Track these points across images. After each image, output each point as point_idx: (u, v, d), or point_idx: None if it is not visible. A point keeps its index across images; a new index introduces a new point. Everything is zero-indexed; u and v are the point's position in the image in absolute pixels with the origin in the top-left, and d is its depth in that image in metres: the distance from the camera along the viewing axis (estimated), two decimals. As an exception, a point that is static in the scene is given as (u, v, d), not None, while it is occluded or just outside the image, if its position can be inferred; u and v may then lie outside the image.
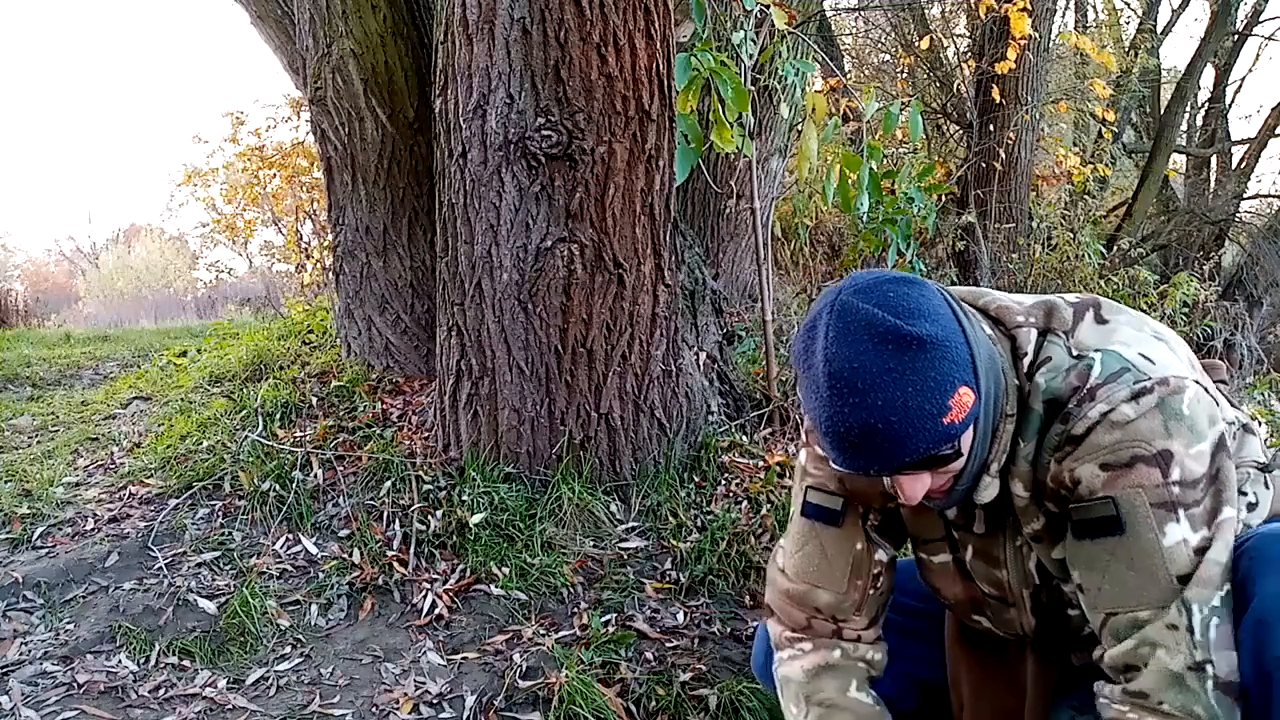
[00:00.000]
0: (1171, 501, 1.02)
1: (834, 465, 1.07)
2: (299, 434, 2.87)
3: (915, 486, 1.07)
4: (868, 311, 0.99)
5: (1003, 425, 1.10)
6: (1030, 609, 1.24)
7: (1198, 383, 1.06)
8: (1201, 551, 1.02)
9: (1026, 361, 1.10)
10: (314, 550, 2.40)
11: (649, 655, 2.02)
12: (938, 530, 1.28)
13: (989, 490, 1.13)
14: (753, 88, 3.06)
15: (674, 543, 2.42)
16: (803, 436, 1.35)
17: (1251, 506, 1.17)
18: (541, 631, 2.11)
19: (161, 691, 1.92)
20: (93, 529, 2.51)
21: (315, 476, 2.63)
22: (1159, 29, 10.35)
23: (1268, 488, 1.20)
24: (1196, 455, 1.02)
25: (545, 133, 2.34)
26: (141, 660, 2.01)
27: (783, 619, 1.36)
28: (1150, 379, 1.04)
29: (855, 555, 1.30)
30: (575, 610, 2.20)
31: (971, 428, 1.05)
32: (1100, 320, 1.13)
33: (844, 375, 0.98)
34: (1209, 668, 1.00)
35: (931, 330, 0.99)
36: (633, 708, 1.85)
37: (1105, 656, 1.07)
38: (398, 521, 2.46)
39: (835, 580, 1.30)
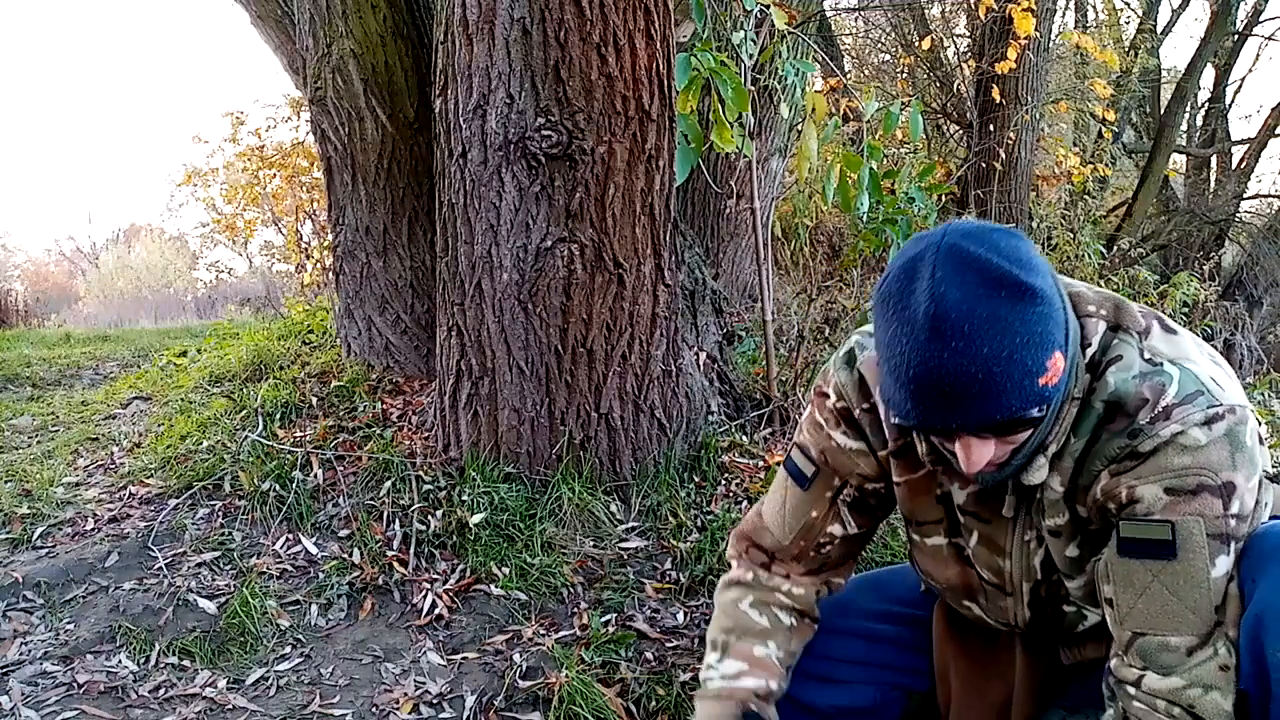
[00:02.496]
0: (1227, 534, 1.01)
1: (898, 420, 1.03)
2: (299, 434, 2.87)
3: (981, 452, 1.02)
4: (982, 255, 0.95)
5: (1067, 408, 1.07)
6: (1028, 602, 1.23)
7: (1251, 411, 1.06)
8: (1231, 580, 1.03)
9: (1090, 352, 1.07)
10: (314, 550, 2.40)
11: (649, 655, 2.02)
12: (935, 513, 1.26)
13: (1039, 472, 1.10)
14: (753, 88, 3.06)
15: (674, 543, 2.42)
16: (812, 396, 1.34)
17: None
18: (541, 631, 2.11)
19: (161, 691, 1.92)
20: (93, 529, 2.51)
21: (315, 476, 2.63)
22: (1159, 29, 10.36)
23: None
24: (1252, 489, 1.03)
25: (545, 133, 2.34)
26: (141, 660, 2.01)
27: (732, 547, 1.42)
28: (1222, 405, 1.02)
29: (809, 520, 1.33)
30: (575, 610, 2.20)
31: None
32: (1167, 329, 1.10)
33: (951, 317, 0.93)
34: (1230, 699, 1.02)
35: (1042, 285, 0.96)
36: (633, 708, 1.85)
37: (1143, 684, 1.05)
38: (398, 521, 2.46)
39: (782, 530, 1.35)
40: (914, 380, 0.96)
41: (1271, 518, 1.18)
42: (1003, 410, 0.96)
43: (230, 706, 1.88)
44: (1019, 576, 1.22)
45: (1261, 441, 1.10)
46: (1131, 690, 1.05)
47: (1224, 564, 1.01)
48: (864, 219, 3.07)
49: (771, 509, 1.37)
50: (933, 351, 0.94)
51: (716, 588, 1.42)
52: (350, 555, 2.37)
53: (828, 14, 6.26)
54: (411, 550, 2.36)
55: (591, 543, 2.44)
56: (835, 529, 1.33)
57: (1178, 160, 10.76)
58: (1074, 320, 1.04)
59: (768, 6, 2.85)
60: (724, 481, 2.69)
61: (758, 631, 1.33)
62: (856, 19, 9.00)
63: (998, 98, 6.54)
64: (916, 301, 0.95)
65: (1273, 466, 1.26)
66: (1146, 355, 1.06)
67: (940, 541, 1.28)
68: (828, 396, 1.30)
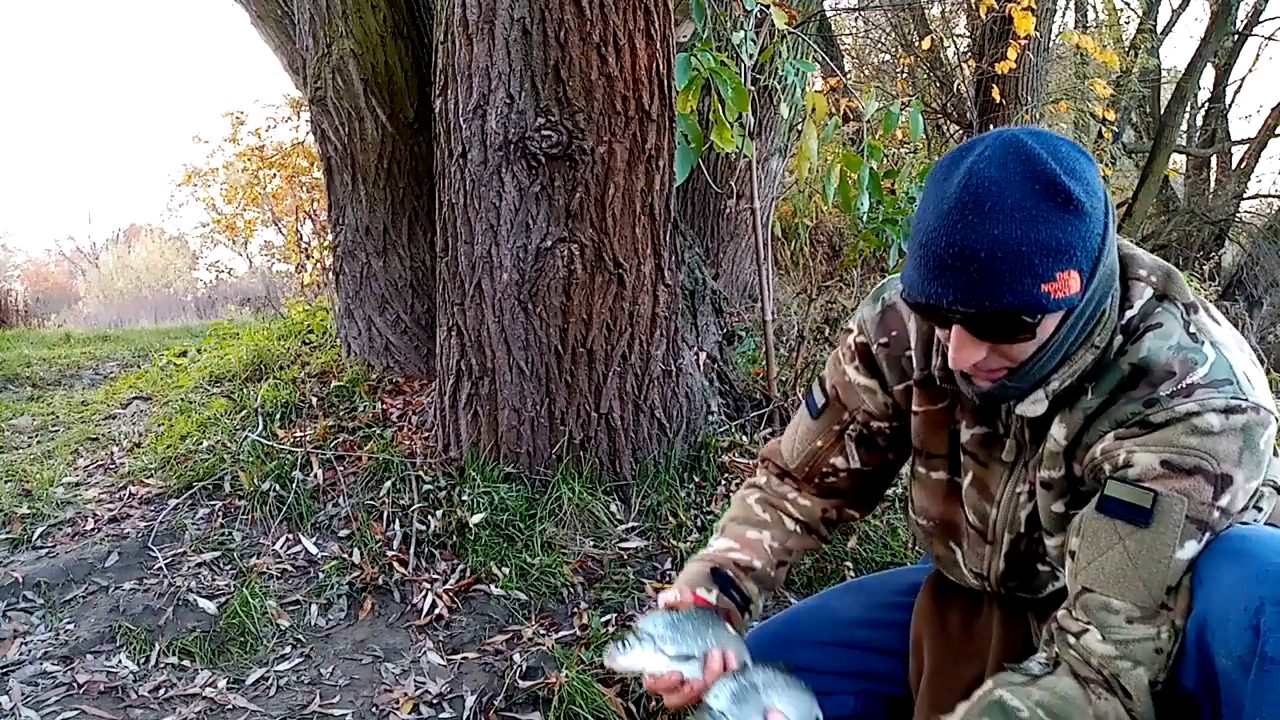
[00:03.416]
0: (1206, 522, 1.00)
1: (909, 295, 1.03)
2: (299, 434, 2.87)
3: (969, 351, 1.04)
4: (1034, 150, 0.96)
5: (1081, 353, 1.06)
6: (1005, 553, 1.23)
7: (1277, 419, 1.04)
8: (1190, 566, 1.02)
9: (1129, 314, 1.06)
10: (314, 550, 2.40)
11: (649, 655, 2.02)
12: (943, 448, 1.27)
13: (1035, 406, 1.10)
14: (753, 88, 3.06)
15: (674, 543, 2.42)
16: (841, 337, 1.37)
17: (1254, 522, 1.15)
18: (541, 631, 2.11)
19: (161, 691, 1.92)
20: (93, 529, 2.51)
21: (315, 476, 2.63)
22: (1159, 29, 10.36)
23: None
24: (1248, 491, 1.02)
25: (545, 133, 2.34)
26: (141, 660, 2.01)
27: (758, 462, 1.49)
28: (1247, 401, 1.01)
29: (814, 448, 1.37)
30: (575, 610, 2.20)
31: (1057, 322, 1.02)
32: (1213, 318, 1.09)
33: (978, 192, 0.95)
34: (1160, 678, 1.03)
35: (1083, 199, 0.96)
36: (633, 708, 1.85)
37: (1081, 639, 1.06)
38: (398, 521, 2.46)
39: (791, 454, 1.40)
40: (925, 246, 0.99)
41: (1267, 523, 1.17)
42: (991, 298, 0.97)
43: (230, 706, 1.88)
44: (1002, 526, 1.22)
45: (1277, 454, 1.09)
46: (1070, 640, 1.06)
47: (1192, 549, 1.00)
48: (864, 219, 3.07)
49: (788, 434, 1.42)
50: (950, 221, 0.96)
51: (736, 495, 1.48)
52: (350, 555, 2.37)
53: (828, 14, 6.26)
54: (411, 550, 2.36)
55: (591, 543, 2.44)
56: (839, 461, 1.36)
57: (1178, 160, 10.76)
58: (1113, 265, 1.04)
59: (768, 6, 2.85)
60: (724, 481, 2.69)
61: (757, 521, 1.39)
62: (856, 19, 9.00)
63: (998, 98, 6.54)
64: (957, 175, 0.98)
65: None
66: (1191, 330, 1.05)
67: (942, 477, 1.29)
68: (851, 332, 1.34)
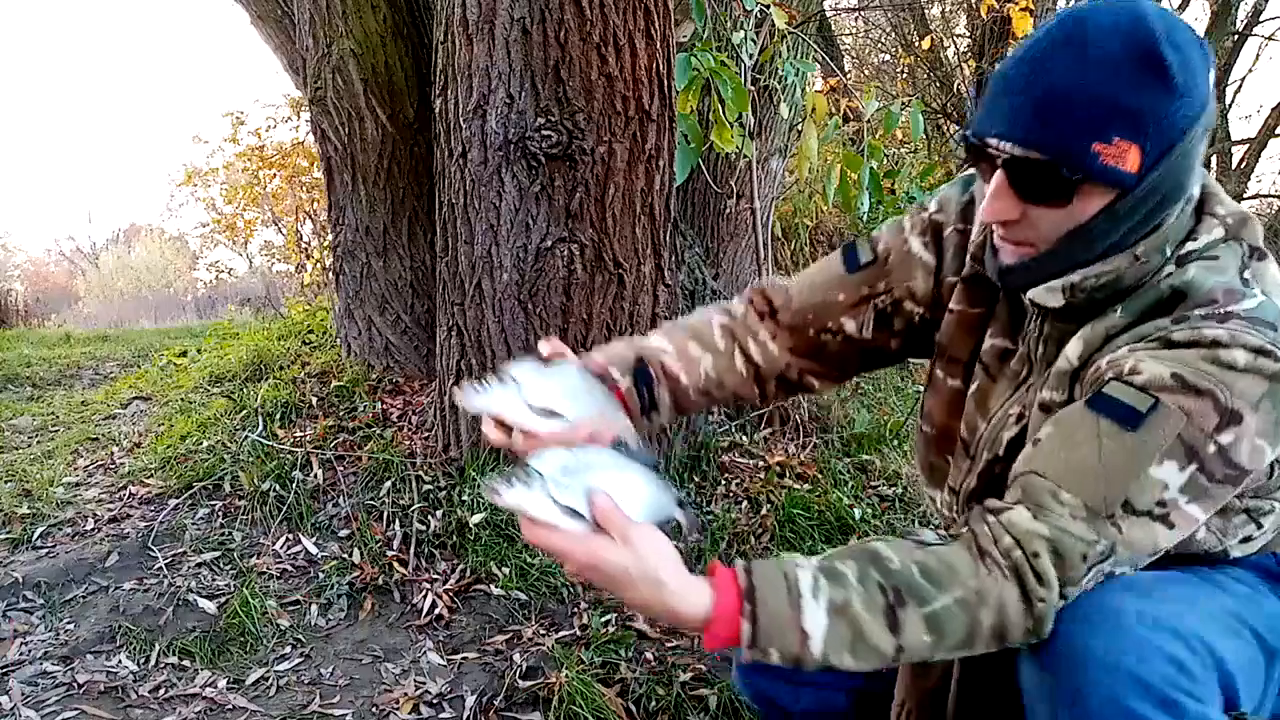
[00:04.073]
0: (1198, 450, 0.89)
1: (969, 134, 0.99)
2: (299, 434, 2.87)
3: (1002, 205, 0.97)
4: (1150, 14, 0.91)
5: (1118, 258, 0.98)
6: (979, 472, 1.15)
7: None
8: (1161, 515, 0.91)
9: (1191, 247, 0.98)
10: (314, 550, 2.40)
11: (649, 655, 2.02)
12: (965, 354, 1.19)
13: (1050, 295, 1.01)
14: (753, 88, 3.06)
15: (674, 542, 2.42)
16: (914, 209, 1.27)
17: (1248, 540, 1.09)
18: (541, 631, 2.11)
19: (161, 691, 1.92)
20: (93, 529, 2.51)
21: (315, 476, 2.63)
22: (1159, 29, 10.34)
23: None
24: (1254, 450, 0.90)
25: (545, 133, 2.34)
26: (141, 660, 2.01)
27: (745, 291, 1.35)
28: None
29: (832, 300, 1.25)
30: (575, 610, 2.20)
31: (1102, 200, 0.94)
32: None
33: (1071, 29, 0.92)
34: (1069, 593, 0.93)
35: (1176, 77, 0.90)
36: (633, 708, 1.85)
37: (1005, 515, 0.94)
38: (398, 521, 2.46)
39: (800, 294, 1.27)
40: (1000, 76, 0.95)
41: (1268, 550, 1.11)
42: (1036, 134, 0.91)
43: (230, 706, 1.88)
44: (984, 443, 1.15)
45: None
46: (989, 517, 0.95)
47: (1170, 471, 0.90)
48: (864, 219, 3.08)
49: (804, 276, 1.30)
50: (1031, 51, 0.93)
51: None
52: (350, 555, 2.37)
53: (828, 14, 6.26)
54: (411, 550, 2.36)
55: (591, 543, 2.43)
56: (848, 324, 1.25)
57: (1178, 160, 10.74)
58: (1186, 177, 0.96)
59: (768, 6, 2.85)
60: (724, 481, 2.69)
61: (707, 343, 1.27)
62: (856, 19, 9.00)
63: (998, 98, 6.54)
64: (1074, 9, 0.95)
65: None
66: (1246, 274, 0.97)
67: (957, 385, 1.22)
68: (926, 208, 1.25)
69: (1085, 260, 0.99)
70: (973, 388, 1.18)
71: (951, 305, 1.20)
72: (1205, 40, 0.95)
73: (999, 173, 0.97)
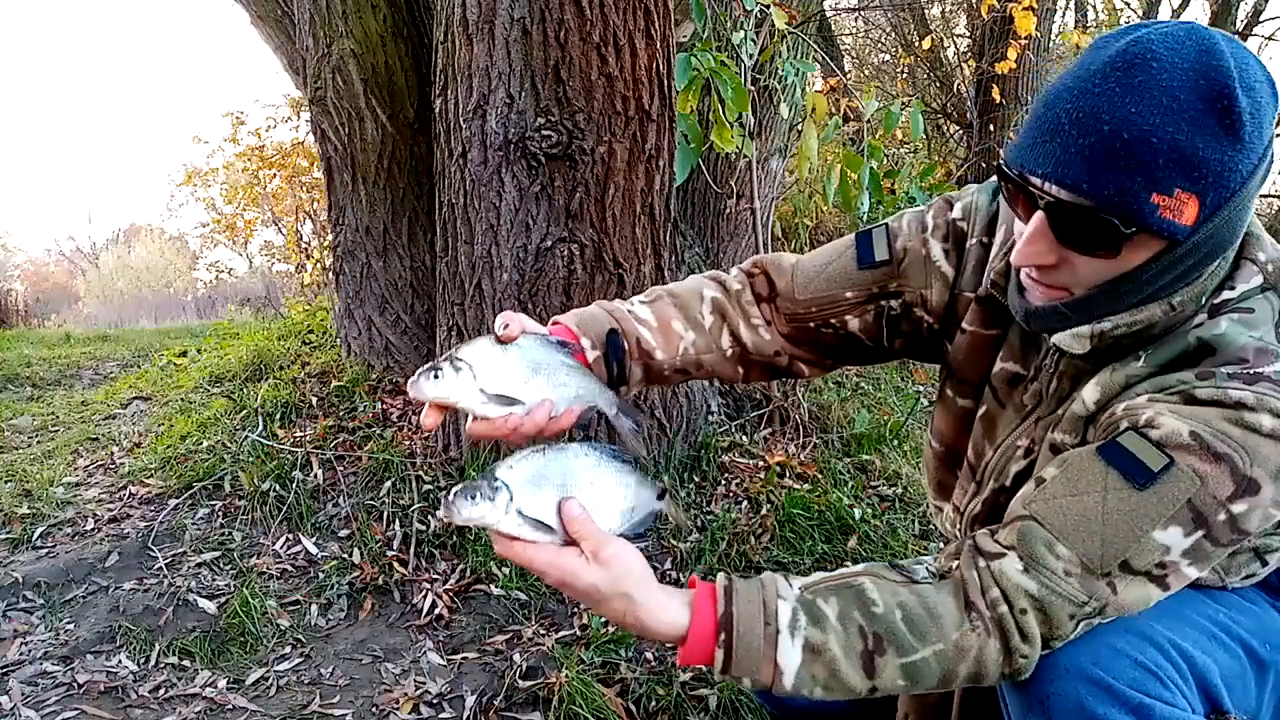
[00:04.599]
0: (1207, 520, 0.85)
1: (1007, 163, 0.91)
2: (299, 434, 2.87)
3: (1039, 249, 0.90)
4: (1219, 47, 0.82)
5: (1153, 306, 0.91)
6: (984, 499, 1.13)
7: None
8: (1158, 576, 0.88)
9: (1227, 295, 0.92)
10: (314, 550, 2.40)
11: (649, 655, 2.02)
12: (977, 376, 1.15)
13: (1075, 342, 0.95)
14: (753, 88, 3.06)
15: (674, 543, 2.42)
16: (935, 200, 1.20)
17: (1250, 576, 1.08)
18: (541, 631, 2.11)
19: (161, 691, 1.92)
20: (93, 529, 2.51)
21: (315, 476, 2.62)
22: (1159, 29, 10.35)
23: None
24: (1265, 518, 0.87)
25: (545, 133, 2.34)
26: (141, 660, 2.01)
27: (745, 263, 1.27)
28: None
29: (839, 295, 1.18)
30: (575, 610, 2.20)
31: (1147, 256, 0.88)
32: None
33: (1133, 62, 0.82)
34: (1053, 645, 0.91)
35: (1247, 124, 0.82)
36: (633, 708, 1.85)
37: (996, 564, 0.91)
38: (398, 521, 2.46)
39: (806, 284, 1.20)
40: (1047, 107, 0.87)
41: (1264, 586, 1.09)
42: (1091, 182, 0.83)
43: (230, 706, 1.88)
44: (990, 472, 1.12)
45: None
46: (980, 562, 0.92)
47: (1174, 536, 0.86)
48: (864, 219, 3.07)
49: (813, 260, 1.21)
50: (1086, 84, 0.84)
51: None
52: (350, 555, 2.37)
53: (828, 14, 6.26)
54: (411, 550, 2.36)
55: (591, 543, 2.43)
56: (853, 322, 1.19)
57: (1178, 160, 10.75)
58: (1237, 229, 0.89)
59: (768, 6, 2.85)
60: (724, 481, 2.69)
61: (693, 317, 1.20)
62: (856, 19, 9.00)
63: (998, 98, 6.54)
64: (1119, 43, 0.84)
65: None
66: (1274, 332, 0.91)
67: (968, 405, 1.18)
68: (952, 208, 1.17)
69: (1119, 308, 0.93)
70: (981, 410, 1.14)
71: (965, 324, 1.15)
72: (1273, 79, 0.87)
73: (1039, 215, 0.89)
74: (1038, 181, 0.88)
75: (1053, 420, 1.03)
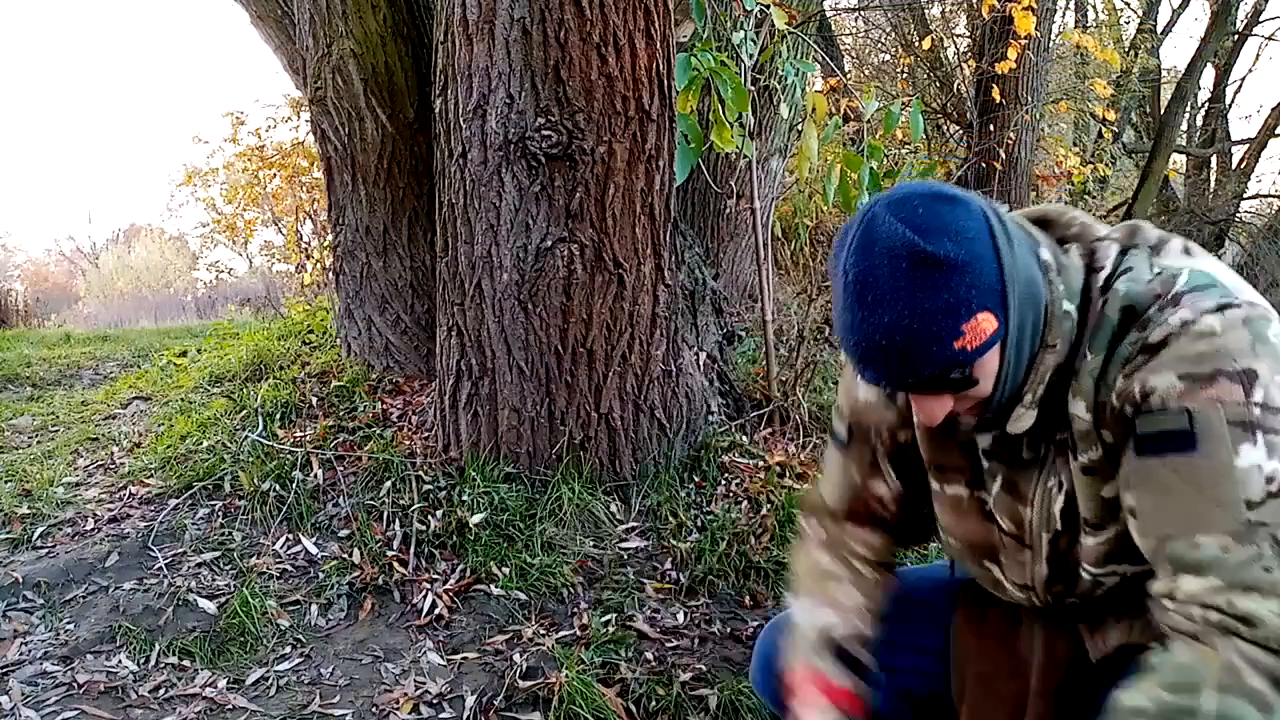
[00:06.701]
0: (1251, 422, 0.93)
1: (858, 375, 1.06)
2: (299, 434, 2.87)
3: (933, 408, 1.04)
4: (890, 225, 0.96)
5: (1042, 355, 1.04)
6: (1046, 556, 1.16)
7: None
8: (1272, 482, 0.93)
9: (1103, 274, 1.04)
10: (314, 550, 2.40)
11: (649, 655, 2.02)
12: (956, 459, 1.22)
13: (1023, 421, 1.08)
14: (753, 88, 3.06)
15: (674, 543, 2.42)
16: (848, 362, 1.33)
17: None
18: (541, 631, 2.11)
19: (161, 691, 1.92)
20: (93, 529, 2.51)
21: (315, 476, 2.62)
22: (1159, 29, 10.37)
23: None
24: (1279, 384, 0.94)
25: (545, 133, 2.34)
26: (141, 660, 2.01)
27: (804, 517, 1.42)
28: (1239, 299, 0.97)
29: (853, 481, 1.32)
30: (575, 610, 2.20)
31: (996, 355, 1.00)
32: (1187, 251, 1.06)
33: (856, 288, 0.97)
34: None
35: (953, 251, 0.95)
36: (633, 708, 1.85)
37: (1177, 592, 0.96)
38: (398, 521, 2.46)
39: (834, 496, 1.35)
40: (843, 341, 1.02)
41: None
42: (914, 375, 0.98)
43: (230, 706, 1.88)
44: (1038, 526, 1.16)
45: None
46: (1168, 604, 0.97)
47: (1250, 453, 0.92)
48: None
49: (825, 477, 1.38)
50: (849, 318, 0.99)
51: (795, 551, 1.43)
52: (350, 555, 2.37)
53: (828, 14, 6.26)
54: (411, 550, 2.36)
55: (591, 543, 2.43)
56: (881, 489, 1.31)
57: (1178, 160, 10.76)
58: (1026, 273, 1.01)
59: (768, 6, 2.85)
60: (724, 481, 2.69)
61: (839, 578, 1.33)
62: (856, 19, 9.00)
63: (998, 98, 6.54)
64: (842, 269, 1.00)
65: None
66: (1156, 268, 1.03)
67: (961, 492, 1.23)
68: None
69: (1023, 380, 1.06)
70: (997, 483, 1.19)
71: (916, 417, 1.23)
72: (949, 189, 1.00)
73: (910, 394, 1.05)
74: (881, 386, 1.05)
75: (1070, 446, 1.09)
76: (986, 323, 0.97)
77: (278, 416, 2.97)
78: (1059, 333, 1.04)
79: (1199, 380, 0.94)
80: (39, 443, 3.24)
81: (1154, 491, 0.98)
